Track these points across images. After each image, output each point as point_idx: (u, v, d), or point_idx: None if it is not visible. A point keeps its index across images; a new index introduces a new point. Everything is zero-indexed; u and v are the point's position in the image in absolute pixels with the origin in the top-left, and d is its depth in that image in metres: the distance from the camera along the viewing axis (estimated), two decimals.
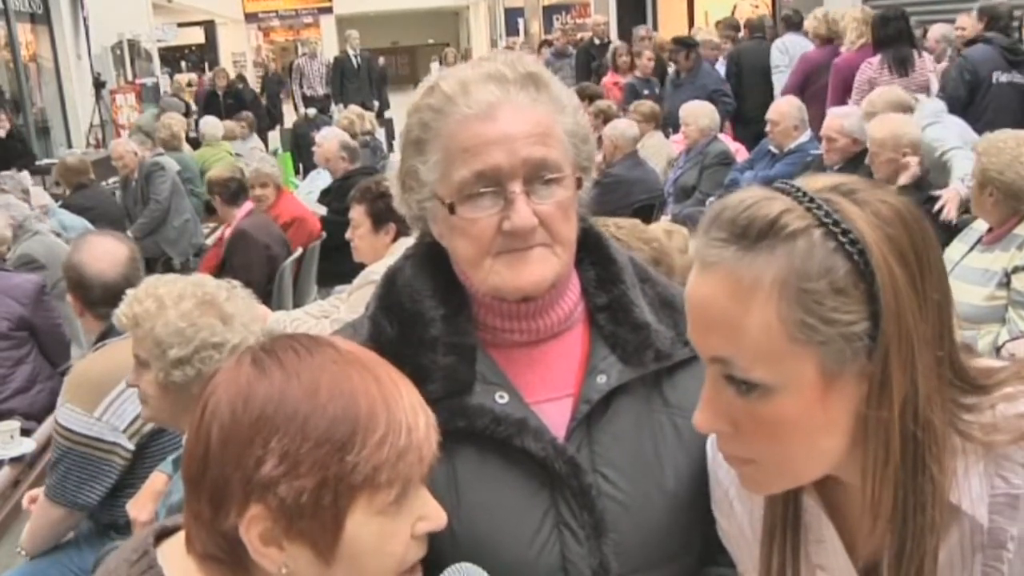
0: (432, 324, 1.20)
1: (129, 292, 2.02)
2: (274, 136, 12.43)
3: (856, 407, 0.89)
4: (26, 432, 3.15)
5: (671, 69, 8.68)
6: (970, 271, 3.41)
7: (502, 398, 1.18)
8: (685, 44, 8.27)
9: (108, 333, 2.64)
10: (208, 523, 0.93)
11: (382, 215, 3.62)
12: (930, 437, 0.88)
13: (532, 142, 1.13)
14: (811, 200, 0.88)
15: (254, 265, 4.85)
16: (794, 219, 0.86)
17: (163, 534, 1.02)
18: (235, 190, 5.11)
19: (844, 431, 0.90)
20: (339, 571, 0.93)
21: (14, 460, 3.02)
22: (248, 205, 5.15)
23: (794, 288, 0.85)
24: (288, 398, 0.91)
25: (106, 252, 2.75)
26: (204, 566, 0.96)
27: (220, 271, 4.80)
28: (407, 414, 0.94)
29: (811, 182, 0.91)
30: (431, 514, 0.98)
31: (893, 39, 5.85)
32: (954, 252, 3.53)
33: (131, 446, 2.46)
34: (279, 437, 0.89)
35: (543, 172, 1.14)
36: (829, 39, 6.92)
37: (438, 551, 1.07)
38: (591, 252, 1.28)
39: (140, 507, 2.21)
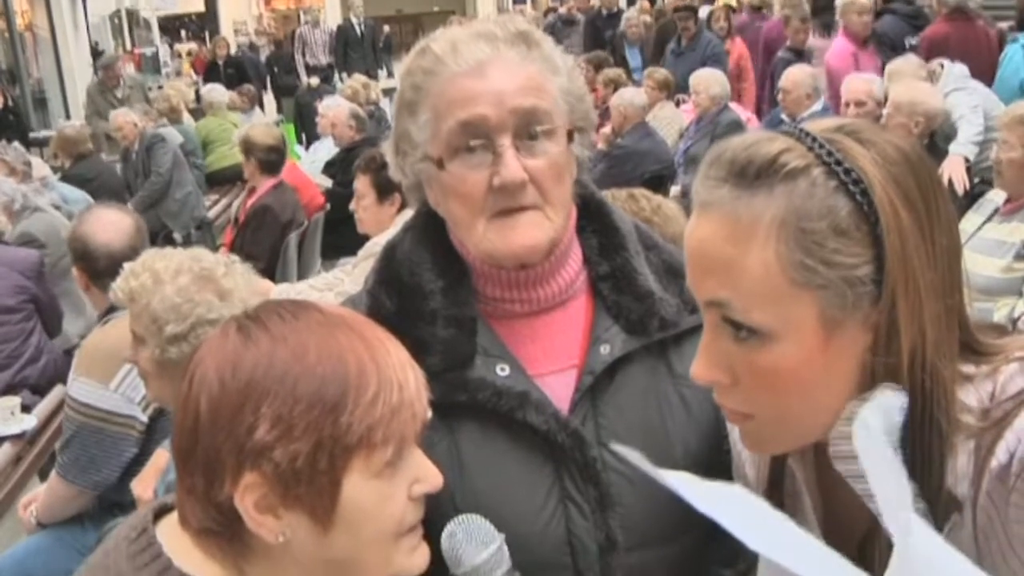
0: (431, 296, 1.18)
1: (126, 266, 1.99)
2: (288, 104, 12.22)
3: (860, 361, 0.86)
4: (26, 408, 3.15)
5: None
6: (986, 242, 3.39)
7: (503, 371, 1.16)
8: (689, 10, 8.22)
9: (116, 306, 2.61)
10: (202, 496, 0.92)
11: (387, 185, 3.60)
12: (939, 389, 0.85)
13: (521, 94, 1.11)
14: (813, 139, 0.85)
15: (264, 241, 4.85)
16: (794, 158, 0.84)
17: (163, 511, 1.01)
18: (273, 160, 4.98)
19: (846, 386, 0.87)
20: (337, 536, 0.92)
21: (15, 437, 3.01)
22: (275, 179, 5.09)
23: (794, 228, 0.83)
24: (277, 362, 0.90)
25: (111, 223, 2.75)
26: (200, 541, 0.94)
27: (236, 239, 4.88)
28: (396, 371, 0.93)
29: (816, 124, 0.88)
30: (427, 476, 0.97)
31: (820, 9, 7.44)
32: (968, 224, 3.52)
33: (145, 419, 2.44)
34: (270, 401, 0.88)
35: (532, 123, 1.11)
36: (758, 8, 8.94)
37: (442, 526, 1.07)
38: (593, 220, 1.25)
39: (144, 485, 2.20)
